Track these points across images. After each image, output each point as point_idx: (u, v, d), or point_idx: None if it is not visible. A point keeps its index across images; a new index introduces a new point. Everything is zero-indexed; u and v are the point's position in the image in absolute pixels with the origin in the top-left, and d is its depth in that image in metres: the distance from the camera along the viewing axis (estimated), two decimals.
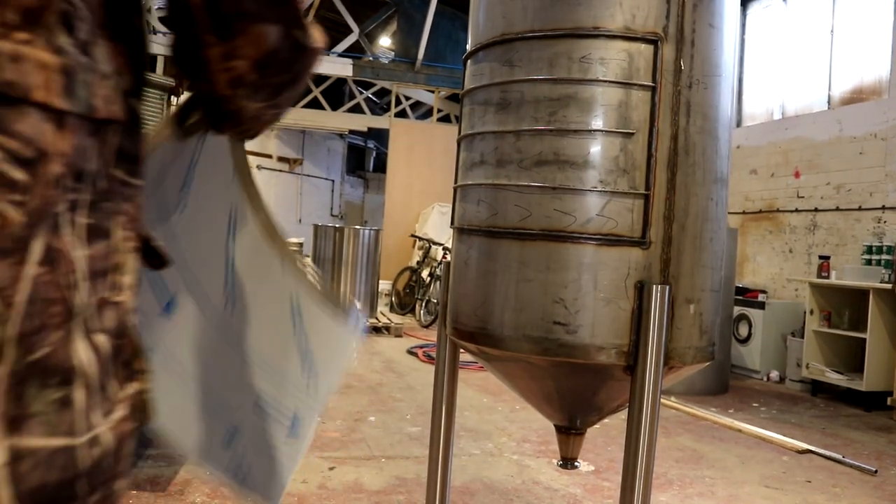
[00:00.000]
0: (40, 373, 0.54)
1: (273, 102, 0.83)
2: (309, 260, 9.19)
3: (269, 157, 16.41)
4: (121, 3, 0.64)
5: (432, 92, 13.51)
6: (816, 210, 7.39)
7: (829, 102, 7.59)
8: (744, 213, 8.29)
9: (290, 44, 0.76)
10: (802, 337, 6.71)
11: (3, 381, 0.52)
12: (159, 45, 10.35)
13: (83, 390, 0.58)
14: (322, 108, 16.14)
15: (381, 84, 13.54)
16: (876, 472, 4.18)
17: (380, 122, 14.00)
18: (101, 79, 0.59)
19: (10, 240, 0.51)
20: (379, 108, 16.25)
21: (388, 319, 9.04)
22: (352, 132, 15.76)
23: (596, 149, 1.80)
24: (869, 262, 6.46)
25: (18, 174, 0.51)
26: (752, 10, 8.79)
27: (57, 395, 0.55)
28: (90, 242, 0.59)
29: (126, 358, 0.65)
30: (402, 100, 13.71)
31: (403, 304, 10.79)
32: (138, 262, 0.69)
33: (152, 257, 0.76)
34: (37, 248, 0.53)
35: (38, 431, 0.54)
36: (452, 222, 2.12)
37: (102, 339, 0.60)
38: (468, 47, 2.08)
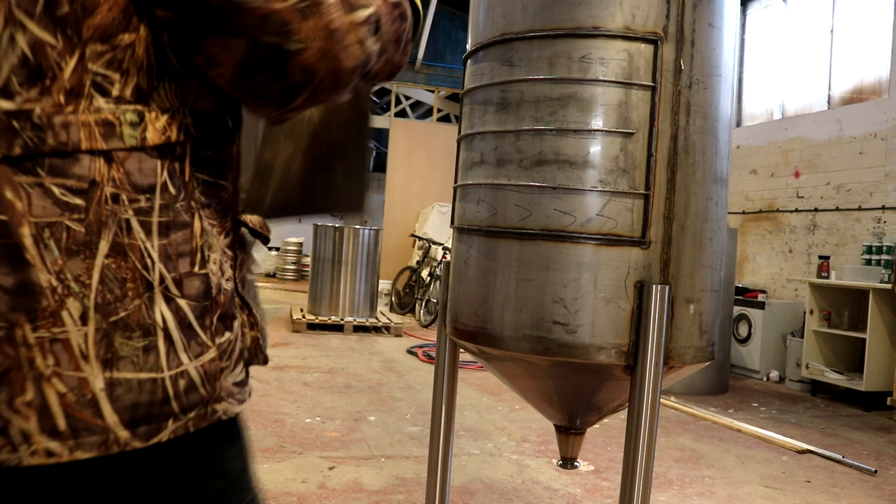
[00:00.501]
0: (122, 329, 0.78)
1: (295, 108, 0.88)
2: None
3: None
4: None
5: (432, 92, 13.51)
6: (816, 210, 7.39)
7: (828, 102, 7.59)
8: (744, 212, 8.30)
9: (266, 52, 0.79)
10: (802, 337, 6.71)
11: (91, 335, 0.77)
12: None
13: (164, 341, 0.81)
14: None
15: (380, 84, 13.54)
16: (875, 472, 4.19)
17: (380, 121, 14.00)
18: (160, 114, 0.81)
19: (76, 244, 0.76)
20: (379, 107, 16.25)
21: (388, 319, 9.04)
22: None
23: (596, 149, 1.80)
24: (869, 262, 6.46)
25: (77, 200, 0.76)
26: (752, 9, 8.79)
27: (141, 343, 0.79)
28: (166, 234, 0.81)
29: (223, 313, 0.87)
30: (402, 99, 13.71)
31: (403, 303, 10.80)
32: (232, 244, 0.91)
33: (257, 236, 0.99)
34: (103, 246, 0.77)
35: (127, 368, 0.78)
36: (452, 222, 2.12)
37: (184, 305, 0.82)
38: (468, 47, 2.08)
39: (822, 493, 3.80)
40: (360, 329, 8.61)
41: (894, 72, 6.70)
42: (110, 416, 0.79)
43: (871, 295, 5.95)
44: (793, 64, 8.13)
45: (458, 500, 3.32)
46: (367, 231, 9.00)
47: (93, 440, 0.79)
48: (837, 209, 7.15)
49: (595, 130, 1.80)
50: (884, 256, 6.34)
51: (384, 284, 10.63)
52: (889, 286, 5.84)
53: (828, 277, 6.57)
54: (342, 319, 8.49)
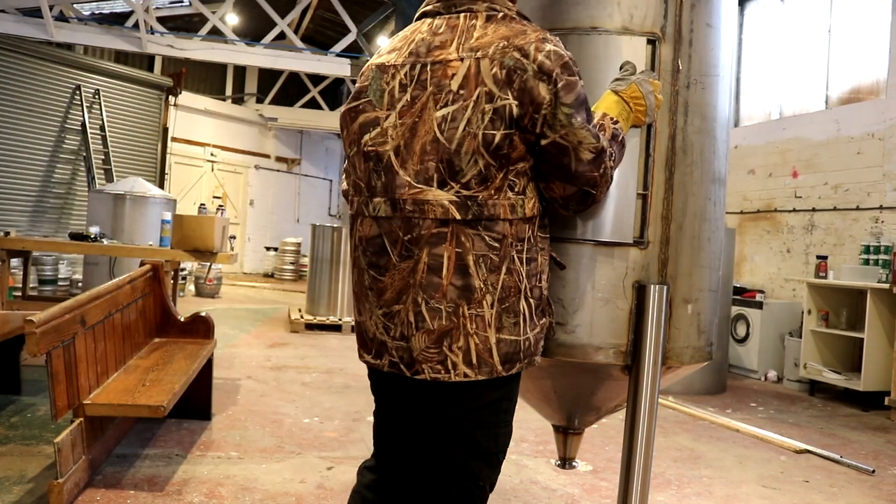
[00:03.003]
0: (507, 312, 1.55)
1: (578, 210, 1.69)
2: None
3: (268, 156, 16.40)
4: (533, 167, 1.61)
5: None
6: (814, 210, 7.40)
7: (826, 102, 7.60)
8: (742, 212, 8.30)
9: (582, 193, 1.61)
10: (800, 337, 6.71)
11: (494, 314, 1.54)
12: (156, 44, 10.33)
13: (522, 320, 1.58)
14: (320, 107, 16.13)
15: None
16: (874, 471, 4.19)
17: None
18: (528, 200, 1.57)
19: (493, 267, 1.53)
20: None
21: None
22: None
23: None
24: (867, 262, 6.46)
25: (495, 244, 1.53)
26: (750, 9, 8.79)
27: (513, 320, 1.56)
28: (527, 264, 1.58)
29: (542, 308, 1.65)
30: None
31: None
32: (550, 269, 1.69)
33: (559, 265, 1.75)
34: (504, 268, 1.54)
35: (506, 333, 1.56)
36: None
37: (532, 302, 1.60)
38: None
39: (820, 492, 3.81)
40: None
41: (892, 72, 6.70)
42: (496, 358, 1.55)
43: (868, 295, 5.95)
44: (791, 64, 8.13)
45: None
46: None
47: (486, 370, 1.55)
48: (835, 209, 7.16)
49: None
50: (882, 256, 6.34)
51: None
52: (887, 286, 5.84)
53: (826, 277, 6.57)
54: (340, 319, 8.48)
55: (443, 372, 1.54)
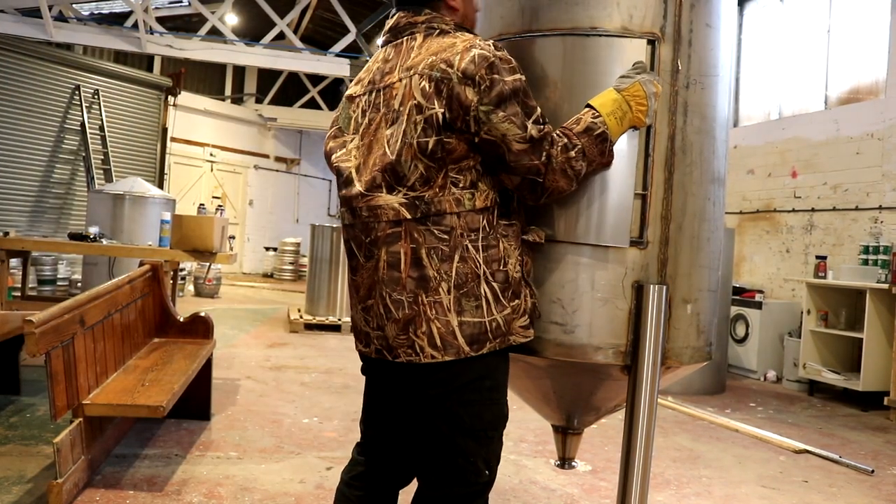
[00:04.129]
0: (465, 297, 1.66)
1: (542, 201, 1.74)
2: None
3: (267, 157, 16.39)
4: (487, 163, 1.70)
5: None
6: (813, 210, 7.40)
7: (825, 102, 7.60)
8: (741, 212, 8.30)
9: (529, 182, 1.68)
10: (799, 337, 6.72)
11: (452, 300, 1.66)
12: (156, 44, 10.33)
13: (485, 303, 1.67)
14: (319, 108, 16.13)
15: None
16: (873, 471, 4.19)
17: None
18: (480, 193, 1.68)
19: (444, 257, 1.65)
20: None
21: None
22: None
23: None
24: (866, 262, 6.47)
25: (445, 236, 1.66)
26: (749, 9, 8.80)
27: (474, 304, 1.67)
28: (484, 251, 1.67)
29: (513, 290, 1.70)
30: None
31: None
32: (521, 253, 1.75)
33: (535, 247, 1.80)
34: (456, 257, 1.66)
35: (467, 316, 1.66)
36: None
37: (495, 285, 1.68)
38: None
39: (819, 492, 3.81)
40: None
41: (891, 72, 6.71)
42: (461, 339, 1.65)
43: (868, 295, 5.96)
44: (790, 64, 8.13)
45: None
46: None
47: (452, 351, 1.66)
48: (835, 209, 7.16)
49: None
50: (881, 256, 6.34)
51: None
52: (886, 286, 5.84)
53: (825, 277, 6.57)
54: (340, 320, 8.48)
55: (413, 355, 1.68)
